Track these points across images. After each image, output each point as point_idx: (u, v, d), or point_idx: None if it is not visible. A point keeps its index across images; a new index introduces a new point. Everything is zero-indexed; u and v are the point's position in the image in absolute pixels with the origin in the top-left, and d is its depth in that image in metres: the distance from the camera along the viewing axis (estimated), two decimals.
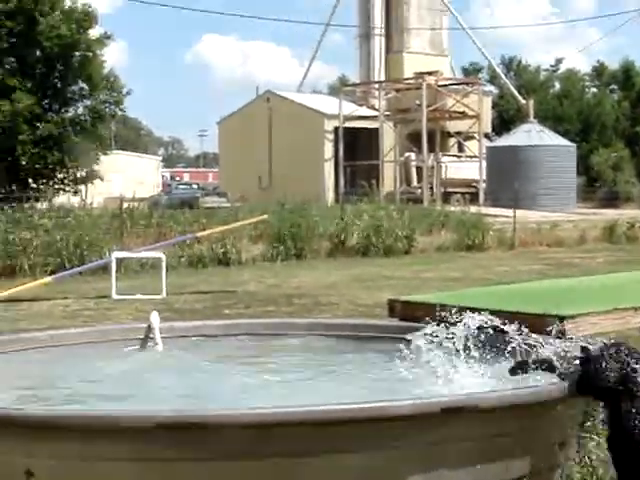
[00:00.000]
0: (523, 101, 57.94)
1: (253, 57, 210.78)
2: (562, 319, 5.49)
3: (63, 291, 15.33)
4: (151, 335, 5.78)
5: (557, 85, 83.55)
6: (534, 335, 5.49)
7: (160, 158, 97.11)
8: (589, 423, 5.24)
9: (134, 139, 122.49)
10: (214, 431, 3.58)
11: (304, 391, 4.90)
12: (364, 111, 57.38)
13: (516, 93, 63.06)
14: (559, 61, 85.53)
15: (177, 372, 5.42)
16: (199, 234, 19.38)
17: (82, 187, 44.29)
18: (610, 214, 33.38)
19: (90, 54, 43.77)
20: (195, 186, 66.25)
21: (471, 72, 79.83)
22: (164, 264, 15.51)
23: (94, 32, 44.47)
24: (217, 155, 76.06)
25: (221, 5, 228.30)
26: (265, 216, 20.91)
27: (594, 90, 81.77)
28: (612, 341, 4.06)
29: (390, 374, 5.21)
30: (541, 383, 4.36)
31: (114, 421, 3.63)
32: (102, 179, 47.21)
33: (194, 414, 3.70)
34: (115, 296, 14.61)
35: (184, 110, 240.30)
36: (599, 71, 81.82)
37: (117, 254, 16.55)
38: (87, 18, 43.52)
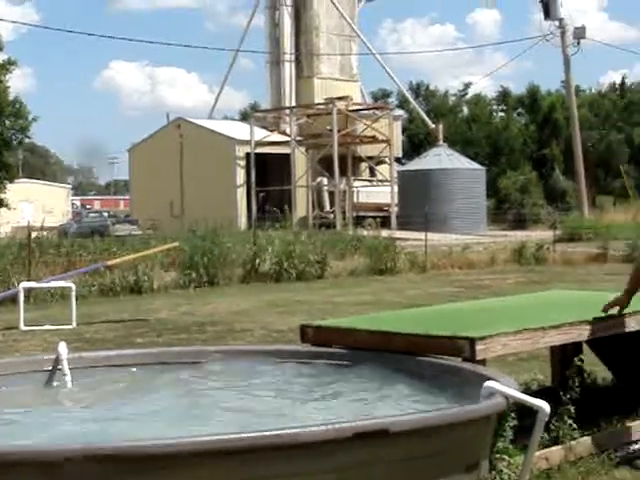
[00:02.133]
0: (432, 125, 58.60)
1: (162, 83, 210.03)
2: (472, 341, 5.51)
3: None
4: (59, 366, 5.67)
5: (465, 109, 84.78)
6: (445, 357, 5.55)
7: (70, 186, 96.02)
8: (500, 444, 5.28)
9: (43, 167, 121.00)
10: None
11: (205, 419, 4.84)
12: (276, 137, 57.48)
13: (425, 117, 63.76)
14: (467, 86, 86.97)
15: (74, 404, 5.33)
16: (110, 262, 19.14)
17: None
18: (519, 236, 33.85)
19: None
20: (105, 214, 65.68)
21: (380, 97, 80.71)
22: (74, 293, 15.29)
23: None
24: (128, 182, 75.54)
25: (130, 31, 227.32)
26: (177, 243, 20.78)
27: (501, 114, 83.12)
28: None
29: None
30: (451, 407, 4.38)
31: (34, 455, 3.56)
32: (9, 207, 46.51)
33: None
34: (23, 327, 14.35)
35: (94, 137, 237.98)
36: (505, 95, 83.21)
37: (25, 284, 16.30)
38: None
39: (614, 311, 6.60)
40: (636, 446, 6.65)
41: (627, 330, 6.76)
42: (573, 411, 6.21)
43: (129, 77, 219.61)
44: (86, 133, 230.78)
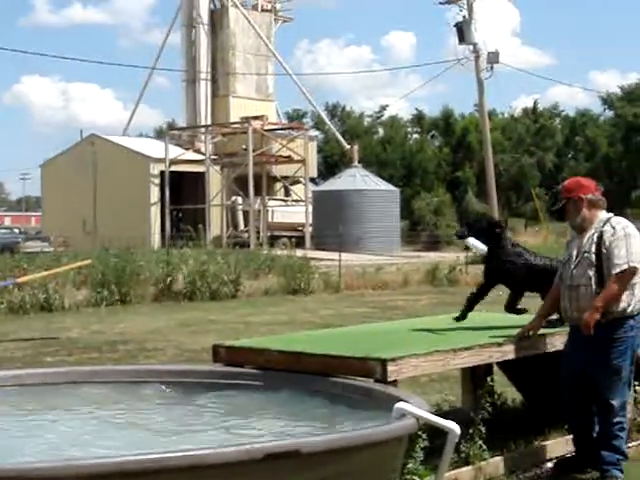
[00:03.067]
0: (347, 146, 58.89)
1: (76, 99, 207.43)
2: (384, 362, 5.54)
3: None
4: None
5: (381, 131, 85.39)
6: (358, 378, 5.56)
7: None
8: (410, 465, 5.31)
9: None
10: None
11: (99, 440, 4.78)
12: (190, 155, 57.25)
13: (341, 138, 64.08)
14: (383, 108, 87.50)
15: None
16: (19, 279, 18.83)
17: None
18: (432, 257, 34.14)
19: None
20: (16, 230, 64.67)
21: (295, 117, 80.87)
22: None
23: None
24: (40, 198, 74.54)
25: (42, 45, 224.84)
26: (89, 261, 20.54)
27: (416, 136, 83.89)
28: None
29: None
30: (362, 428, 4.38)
31: None
32: None
33: None
34: None
35: (5, 153, 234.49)
36: (420, 118, 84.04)
37: None
38: None
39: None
40: (545, 466, 6.74)
41: (536, 352, 6.87)
42: (484, 431, 6.27)
43: (41, 92, 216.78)
44: None
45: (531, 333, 6.84)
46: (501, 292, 7.69)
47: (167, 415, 5.39)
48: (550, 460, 6.84)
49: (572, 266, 6.65)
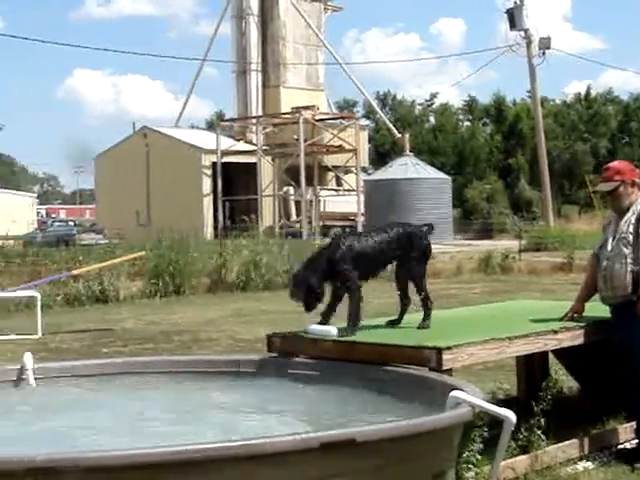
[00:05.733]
0: (399, 135, 58.70)
1: (127, 91, 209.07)
2: (439, 350, 5.52)
3: None
4: (24, 376, 5.64)
5: (432, 119, 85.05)
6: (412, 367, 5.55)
7: (35, 195, 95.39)
8: (466, 453, 5.28)
9: (7, 176, 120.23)
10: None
11: (174, 430, 4.82)
12: (242, 146, 57.41)
13: (392, 127, 63.90)
14: (434, 95, 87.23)
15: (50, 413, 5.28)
16: (75, 272, 19.03)
17: None
18: (485, 245, 33.97)
19: None
20: (71, 223, 65.31)
21: (346, 107, 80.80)
22: (39, 303, 15.19)
23: None
24: (94, 191, 75.16)
25: (93, 39, 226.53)
26: (143, 252, 20.70)
27: (467, 124, 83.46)
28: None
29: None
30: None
31: None
32: None
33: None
34: None
35: (59, 146, 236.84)
36: (471, 105, 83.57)
37: None
38: None
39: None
40: (604, 455, 6.68)
41: (593, 340, 6.82)
42: (543, 422, 6.23)
43: (93, 86, 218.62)
44: (51, 142, 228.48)
45: (575, 316, 6.85)
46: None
47: (226, 405, 5.41)
48: (609, 448, 6.79)
49: (609, 248, 6.65)
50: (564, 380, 7.94)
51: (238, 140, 58.42)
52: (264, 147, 56.42)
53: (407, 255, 6.48)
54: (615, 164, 6.94)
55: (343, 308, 6.38)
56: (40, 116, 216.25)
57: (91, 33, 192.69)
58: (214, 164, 56.00)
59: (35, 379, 5.65)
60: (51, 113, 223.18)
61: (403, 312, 6.76)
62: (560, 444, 6.46)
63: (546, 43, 50.37)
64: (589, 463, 6.52)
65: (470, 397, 4.47)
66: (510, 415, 4.52)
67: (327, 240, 7.17)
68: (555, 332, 6.52)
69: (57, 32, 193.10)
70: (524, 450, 6.15)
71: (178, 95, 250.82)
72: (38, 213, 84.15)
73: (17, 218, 64.83)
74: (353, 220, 52.54)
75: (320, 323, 6.30)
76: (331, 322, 6.28)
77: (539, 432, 6.20)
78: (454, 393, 4.49)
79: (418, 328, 6.47)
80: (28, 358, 5.72)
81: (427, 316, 6.57)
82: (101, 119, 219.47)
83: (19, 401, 5.49)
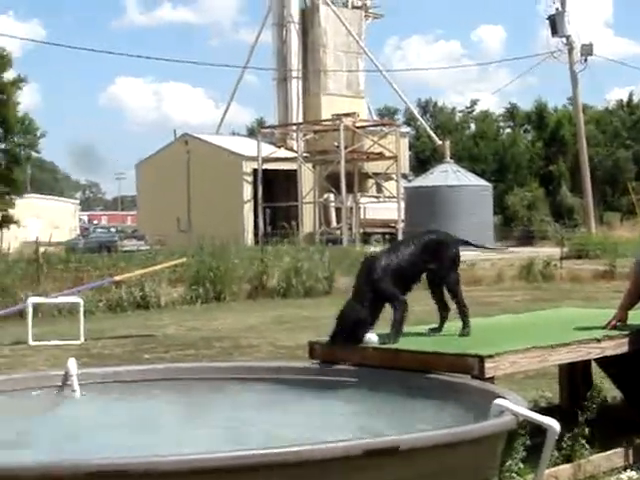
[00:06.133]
0: (439, 142, 58.61)
1: (168, 98, 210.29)
2: (482, 358, 5.50)
3: None
4: (68, 382, 5.68)
5: (472, 126, 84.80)
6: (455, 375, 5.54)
7: (77, 201, 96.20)
8: (509, 462, 5.27)
9: (50, 182, 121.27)
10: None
11: (222, 437, 4.84)
12: (282, 153, 57.58)
13: (432, 134, 63.81)
14: (474, 102, 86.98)
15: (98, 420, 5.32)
16: (117, 278, 19.15)
17: None
18: (526, 252, 33.79)
19: (4, 97, 43.27)
20: (113, 229, 65.76)
21: (386, 114, 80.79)
22: (82, 309, 15.30)
23: (8, 75, 43.98)
24: (135, 198, 75.66)
25: (133, 46, 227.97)
26: (184, 259, 20.81)
27: (508, 130, 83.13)
28: None
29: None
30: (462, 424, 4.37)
31: (44, 471, 3.54)
32: (18, 224, 46.56)
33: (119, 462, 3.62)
34: (31, 342, 14.37)
35: (100, 153, 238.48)
36: (512, 112, 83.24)
37: (33, 299, 16.28)
38: (2, 62, 43.05)
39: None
40: None
41: (636, 348, 6.76)
42: (587, 432, 6.19)
43: (135, 93, 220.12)
44: (92, 148, 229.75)
45: (619, 324, 6.81)
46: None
47: (267, 410, 5.42)
48: None
49: None
50: (607, 389, 7.89)
51: (279, 147, 58.60)
52: (304, 154, 56.54)
53: (438, 264, 6.47)
54: None
55: (385, 313, 6.38)
56: (83, 123, 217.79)
57: (133, 41, 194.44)
58: (255, 171, 56.19)
59: (79, 385, 5.69)
60: (94, 120, 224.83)
61: (443, 321, 6.77)
62: (604, 453, 6.42)
63: (588, 49, 50.10)
64: (633, 472, 6.46)
65: (514, 405, 4.45)
66: (554, 424, 4.50)
67: (363, 257, 7.12)
68: (598, 340, 6.48)
69: (99, 40, 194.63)
70: (567, 459, 6.12)
71: (219, 102, 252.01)
72: (80, 220, 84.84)
73: (60, 224, 65.39)
74: (393, 227, 52.49)
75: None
76: (373, 330, 6.28)
77: (583, 441, 6.17)
78: (498, 401, 4.47)
79: (460, 336, 6.46)
80: (72, 364, 5.76)
81: (466, 324, 6.56)
82: (143, 126, 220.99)
83: (63, 407, 5.53)
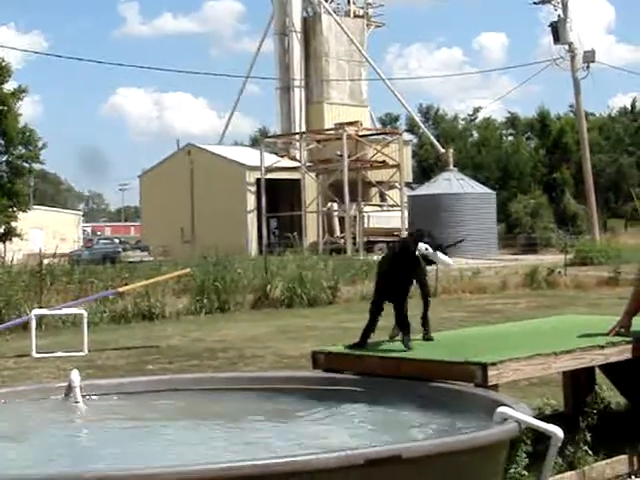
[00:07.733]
0: (442, 150, 58.64)
1: (170, 108, 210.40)
2: (485, 366, 5.50)
3: None
4: (71, 394, 5.68)
5: (475, 134, 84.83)
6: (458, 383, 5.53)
7: (81, 213, 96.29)
8: (513, 469, 5.26)
9: (53, 194, 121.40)
10: None
11: (225, 447, 4.83)
12: (286, 162, 57.62)
13: (435, 142, 63.83)
14: (477, 110, 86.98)
15: (102, 430, 5.32)
16: (121, 289, 19.15)
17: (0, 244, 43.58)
18: (530, 260, 33.79)
19: (5, 108, 43.22)
20: (117, 240, 65.79)
21: (388, 122, 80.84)
22: (85, 320, 15.29)
23: (8, 86, 43.97)
24: (138, 208, 75.71)
25: (135, 56, 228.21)
26: (188, 269, 20.80)
27: (511, 138, 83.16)
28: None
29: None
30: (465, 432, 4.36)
31: None
32: (21, 237, 46.55)
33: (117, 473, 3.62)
34: (35, 354, 14.36)
35: (103, 163, 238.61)
36: (515, 120, 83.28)
37: (37, 311, 16.28)
38: (1, 72, 43.01)
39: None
40: None
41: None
42: (589, 438, 6.18)
43: (136, 103, 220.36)
44: (96, 154, 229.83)
45: (622, 330, 6.79)
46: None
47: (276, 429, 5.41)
48: None
49: None
50: (612, 395, 7.88)
51: (282, 156, 58.66)
52: (308, 163, 56.59)
53: (399, 269, 6.48)
54: None
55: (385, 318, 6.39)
56: (85, 134, 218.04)
57: (134, 51, 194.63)
58: (258, 180, 56.22)
59: (82, 396, 5.69)
60: (96, 131, 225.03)
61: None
62: (608, 460, 6.40)
63: (590, 56, 50.11)
64: (638, 479, 6.45)
65: (517, 413, 4.45)
66: (557, 431, 4.50)
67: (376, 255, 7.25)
68: (602, 347, 6.47)
69: (101, 51, 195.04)
70: (571, 466, 6.11)
71: (221, 112, 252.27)
72: (84, 231, 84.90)
73: (64, 236, 65.42)
74: (397, 236, 52.47)
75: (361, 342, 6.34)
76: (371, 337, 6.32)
77: (586, 448, 6.15)
78: (501, 409, 4.47)
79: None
80: (75, 375, 5.76)
81: (405, 337, 6.42)
82: (145, 136, 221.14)
83: (67, 418, 5.53)
